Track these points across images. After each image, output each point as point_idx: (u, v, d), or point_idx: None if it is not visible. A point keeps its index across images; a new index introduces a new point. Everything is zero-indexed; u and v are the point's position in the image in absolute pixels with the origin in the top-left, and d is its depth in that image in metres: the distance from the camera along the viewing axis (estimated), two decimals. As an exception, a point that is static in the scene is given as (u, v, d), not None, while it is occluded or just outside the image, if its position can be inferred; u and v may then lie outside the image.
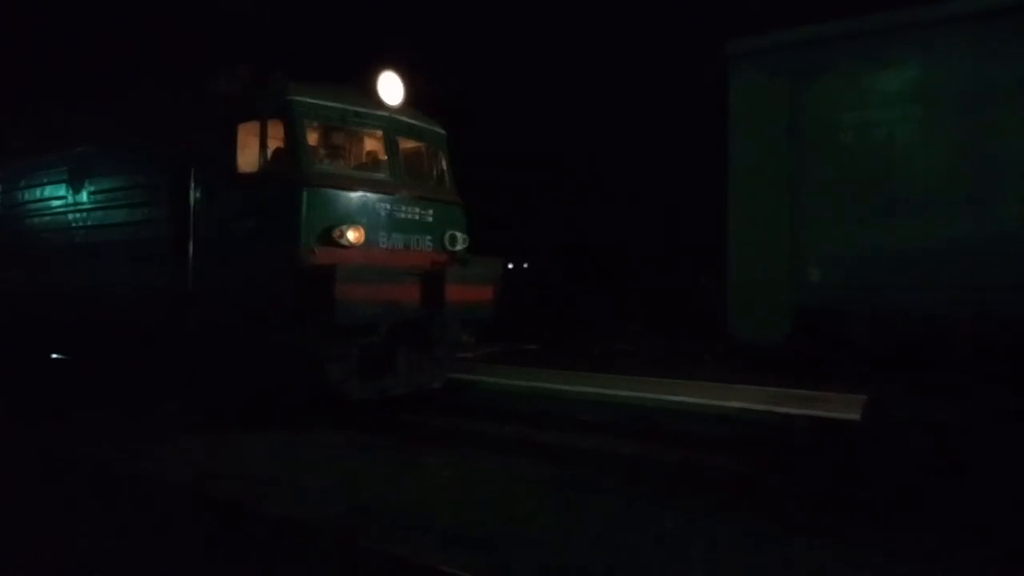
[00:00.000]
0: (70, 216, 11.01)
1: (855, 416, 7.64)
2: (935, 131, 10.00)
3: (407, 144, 9.28)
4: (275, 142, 8.28)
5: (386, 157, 8.88)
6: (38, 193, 11.69)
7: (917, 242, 9.66)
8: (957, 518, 4.99)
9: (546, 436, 7.58)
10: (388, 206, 8.52)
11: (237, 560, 4.40)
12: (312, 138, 8.44)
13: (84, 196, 10.78)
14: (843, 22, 10.47)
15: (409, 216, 8.75)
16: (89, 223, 10.68)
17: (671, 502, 5.23)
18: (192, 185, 8.84)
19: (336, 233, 7.90)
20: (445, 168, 9.77)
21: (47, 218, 11.51)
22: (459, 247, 9.28)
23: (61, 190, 11.17)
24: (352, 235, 7.99)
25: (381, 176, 8.73)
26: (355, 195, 8.29)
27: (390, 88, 8.95)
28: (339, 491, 5.59)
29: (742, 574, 4.06)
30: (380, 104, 8.89)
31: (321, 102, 8.37)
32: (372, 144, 9.18)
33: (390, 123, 8.95)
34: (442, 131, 9.83)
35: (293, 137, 8.13)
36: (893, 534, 4.63)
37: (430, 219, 9.00)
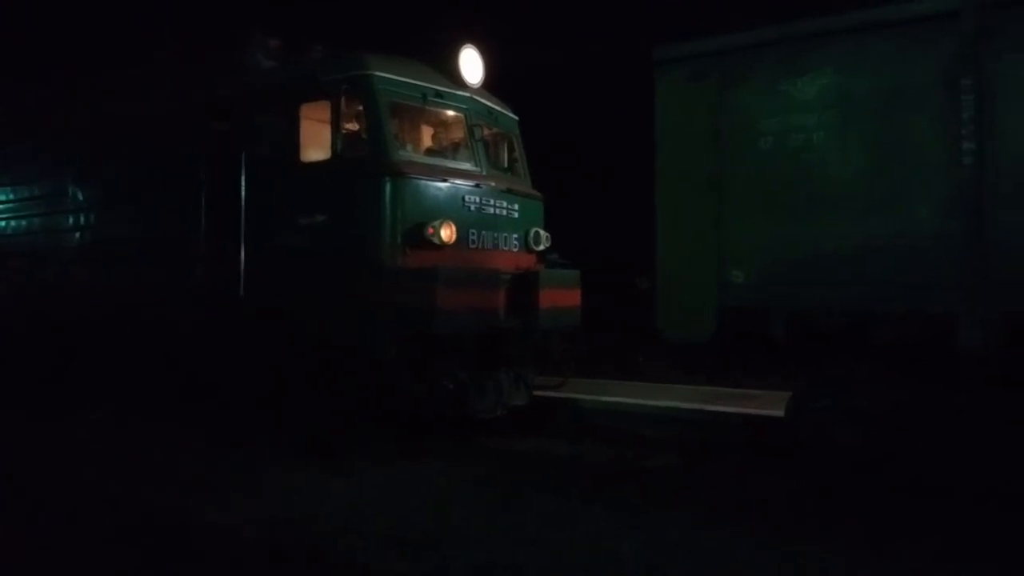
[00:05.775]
0: (75, 214, 9.60)
1: (779, 412, 7.76)
2: (851, 136, 10.53)
3: (486, 130, 8.19)
4: (350, 124, 7.13)
5: (469, 144, 7.78)
6: (33, 185, 10.24)
7: (833, 243, 10.26)
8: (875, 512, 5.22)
9: (478, 437, 7.51)
10: (477, 199, 7.43)
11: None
12: (393, 120, 7.29)
13: (93, 190, 9.40)
14: (763, 30, 11.08)
15: (497, 211, 7.68)
16: (102, 221, 9.29)
17: (605, 501, 5.34)
18: (243, 175, 7.62)
19: (429, 230, 6.80)
20: (518, 157, 8.72)
21: (43, 212, 10.08)
22: (543, 246, 8.29)
23: (64, 182, 9.74)
24: (445, 233, 6.89)
25: (468, 166, 7.62)
26: (444, 186, 7.17)
27: (471, 66, 7.86)
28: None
29: (675, 567, 4.15)
30: (460, 83, 7.79)
31: (402, 78, 7.23)
32: (452, 128, 8.05)
33: (472, 105, 7.85)
34: (515, 116, 8.77)
35: (375, 118, 6.97)
36: (792, 516, 5.10)
37: (516, 215, 7.96)
